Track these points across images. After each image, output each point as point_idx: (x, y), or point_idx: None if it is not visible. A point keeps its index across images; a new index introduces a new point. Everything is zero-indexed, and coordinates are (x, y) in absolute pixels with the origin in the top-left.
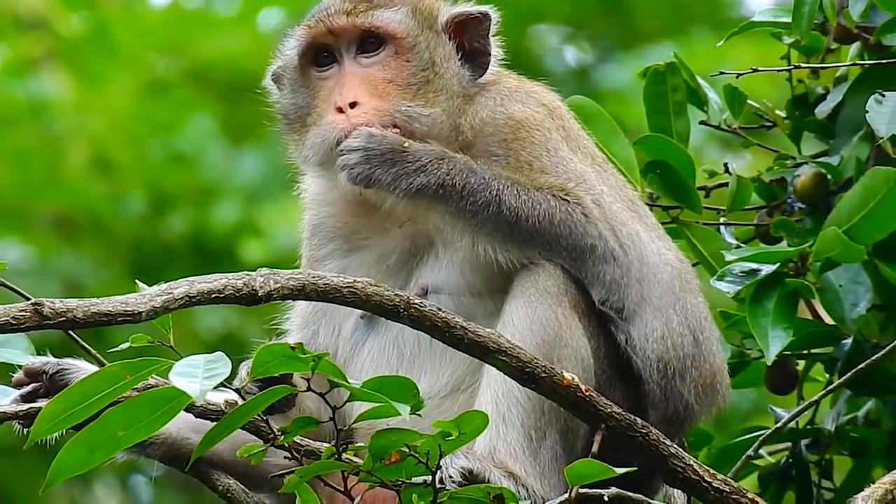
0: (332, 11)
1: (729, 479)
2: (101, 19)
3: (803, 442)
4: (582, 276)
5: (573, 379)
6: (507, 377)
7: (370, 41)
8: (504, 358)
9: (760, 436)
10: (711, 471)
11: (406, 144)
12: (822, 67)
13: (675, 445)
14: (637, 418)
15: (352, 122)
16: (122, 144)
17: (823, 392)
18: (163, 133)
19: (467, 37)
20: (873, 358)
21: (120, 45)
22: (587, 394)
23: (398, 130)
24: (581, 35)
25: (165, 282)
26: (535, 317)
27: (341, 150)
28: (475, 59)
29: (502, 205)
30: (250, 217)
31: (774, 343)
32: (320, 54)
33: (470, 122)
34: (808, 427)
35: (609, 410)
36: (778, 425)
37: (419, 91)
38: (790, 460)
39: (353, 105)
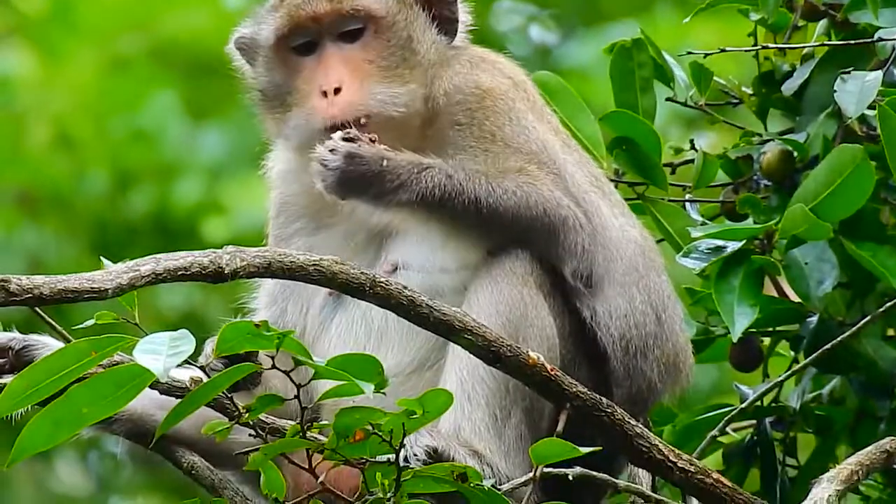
0: None
1: (694, 459)
2: None
3: (768, 419)
4: (557, 250)
5: (539, 358)
6: (472, 356)
7: (351, 22)
8: (469, 337)
9: (724, 413)
10: (676, 451)
11: (384, 163)
12: (789, 48)
13: (640, 425)
14: (602, 398)
15: (334, 110)
16: (85, 121)
17: (789, 373)
18: (125, 110)
19: (437, 5)
20: (840, 338)
21: (83, 22)
22: (553, 373)
23: (370, 117)
24: (544, 15)
25: (130, 259)
26: (500, 296)
27: (323, 162)
28: (444, 26)
29: (479, 203)
30: (213, 195)
31: (740, 320)
32: (300, 36)
33: (444, 87)
34: (773, 405)
35: (574, 390)
36: (744, 405)
37: (397, 69)
38: (754, 438)
39: (337, 90)
